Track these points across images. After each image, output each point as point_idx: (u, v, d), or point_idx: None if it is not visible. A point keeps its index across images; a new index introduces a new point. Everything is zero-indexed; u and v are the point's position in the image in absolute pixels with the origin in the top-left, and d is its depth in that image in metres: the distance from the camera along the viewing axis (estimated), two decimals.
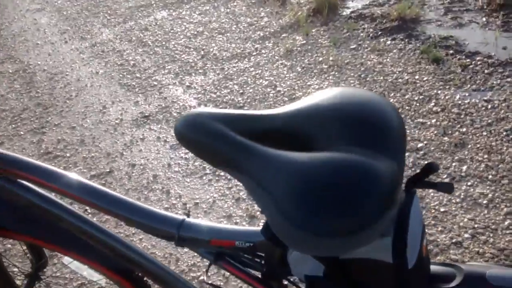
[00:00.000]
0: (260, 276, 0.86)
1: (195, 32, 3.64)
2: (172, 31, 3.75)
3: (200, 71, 3.08)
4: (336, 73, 2.72)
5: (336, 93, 0.76)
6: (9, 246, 1.93)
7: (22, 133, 2.78)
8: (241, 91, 2.76)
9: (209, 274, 1.69)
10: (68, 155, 2.50)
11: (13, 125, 2.87)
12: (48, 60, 3.67)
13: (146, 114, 2.73)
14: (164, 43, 3.57)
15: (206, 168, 2.22)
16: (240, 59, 3.12)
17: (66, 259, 1.17)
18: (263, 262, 0.84)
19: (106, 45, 3.74)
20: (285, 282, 0.87)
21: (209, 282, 0.90)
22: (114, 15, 4.33)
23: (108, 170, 2.33)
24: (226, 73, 2.99)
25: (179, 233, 0.85)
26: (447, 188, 0.72)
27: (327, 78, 2.70)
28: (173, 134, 2.47)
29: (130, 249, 0.98)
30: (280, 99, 2.61)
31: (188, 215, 0.87)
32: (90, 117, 2.81)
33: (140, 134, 2.56)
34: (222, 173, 2.15)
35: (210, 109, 0.76)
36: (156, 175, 2.23)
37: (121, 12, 4.35)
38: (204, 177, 2.17)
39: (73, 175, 0.92)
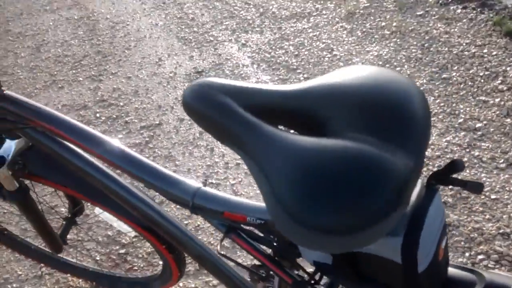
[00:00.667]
0: (271, 253, 0.84)
1: None
2: None
3: (257, 29, 3.02)
4: (398, 40, 2.58)
5: (359, 74, 0.69)
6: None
7: (81, 79, 2.87)
8: (296, 53, 2.69)
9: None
10: (121, 104, 2.56)
11: (74, 71, 2.97)
12: (112, 9, 3.72)
13: (199, 70, 2.73)
14: None
15: None
16: (299, 19, 3.02)
17: (97, 209, 1.21)
18: (275, 240, 0.82)
19: None
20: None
21: (222, 252, 0.89)
22: None
23: (157, 123, 2.37)
24: (283, 32, 2.92)
25: (193, 201, 0.83)
26: (476, 188, 0.65)
27: (388, 45, 2.56)
28: None
29: (151, 208, 0.98)
30: (335, 64, 2.52)
31: (205, 184, 0.85)
32: (145, 69, 2.85)
33: None
34: None
35: (220, 79, 0.72)
36: (202, 132, 2.25)
37: None
38: None
39: (97, 133, 0.92)
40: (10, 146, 1.03)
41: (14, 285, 1.69)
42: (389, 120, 0.64)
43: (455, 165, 0.65)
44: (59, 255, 1.59)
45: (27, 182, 1.20)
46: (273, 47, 2.79)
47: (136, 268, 1.68)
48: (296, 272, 0.85)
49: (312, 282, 0.78)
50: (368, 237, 0.60)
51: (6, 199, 1.13)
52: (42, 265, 1.65)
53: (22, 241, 1.56)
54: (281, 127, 0.69)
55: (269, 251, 0.85)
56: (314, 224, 0.58)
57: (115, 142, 0.92)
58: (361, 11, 2.93)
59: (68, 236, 1.51)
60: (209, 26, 3.18)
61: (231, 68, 2.68)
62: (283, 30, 2.95)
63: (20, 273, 1.72)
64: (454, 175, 0.66)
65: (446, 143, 1.90)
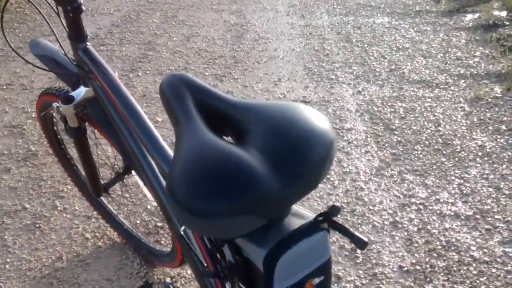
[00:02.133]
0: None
1: (401, 47, 3.57)
2: (380, 37, 3.75)
3: (379, 82, 3.06)
4: (510, 138, 2.43)
5: (294, 108, 0.81)
6: None
7: (207, 74, 3.18)
8: (402, 115, 2.68)
9: None
10: None
11: (205, 66, 3.30)
12: (264, 25, 4.04)
13: (307, 100, 2.86)
14: (365, 45, 3.61)
15: None
16: (423, 87, 2.99)
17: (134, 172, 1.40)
18: None
19: (317, 29, 3.94)
20: None
21: (182, 233, 1.02)
22: (340, 6, 4.50)
23: None
24: (401, 93, 2.91)
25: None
26: (360, 243, 0.71)
27: (497, 139, 2.43)
28: None
29: (157, 181, 1.14)
30: (434, 139, 2.46)
31: None
32: (263, 83, 3.06)
33: None
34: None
35: (194, 78, 0.88)
36: None
37: (348, 6, 4.49)
38: None
39: (135, 105, 1.12)
40: (81, 91, 1.27)
41: (68, 216, 1.98)
42: (282, 149, 0.74)
43: (332, 209, 0.72)
44: (104, 202, 1.83)
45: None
46: (384, 103, 2.81)
47: (162, 243, 1.85)
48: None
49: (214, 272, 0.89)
50: (218, 227, 0.70)
51: (67, 133, 1.37)
52: (93, 209, 1.91)
53: (84, 181, 1.83)
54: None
55: None
56: (179, 200, 0.71)
57: (136, 104, 1.11)
58: (489, 100, 2.81)
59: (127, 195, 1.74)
60: (337, 65, 3.30)
61: (334, 108, 2.76)
62: (403, 91, 2.95)
63: (76, 208, 2.01)
64: (345, 226, 0.73)
65: (502, 253, 1.77)
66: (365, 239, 0.73)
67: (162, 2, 4.59)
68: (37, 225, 1.93)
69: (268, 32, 3.89)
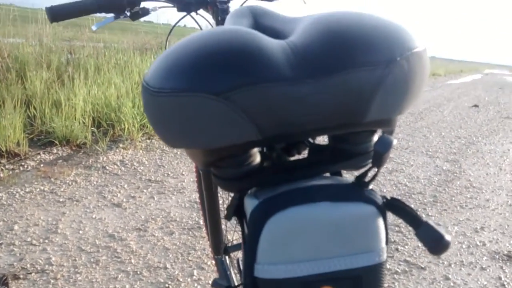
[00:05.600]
0: None
1: None
2: None
3: None
4: None
5: (363, 15, 0.58)
6: None
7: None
8: None
9: None
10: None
11: (399, 197, 3.01)
12: (481, 177, 3.60)
13: None
14: None
15: None
16: None
17: None
18: None
19: None
20: None
21: None
22: None
23: None
24: None
25: None
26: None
27: None
28: None
29: None
30: None
31: None
32: (460, 227, 2.61)
33: None
34: None
35: (265, 7, 0.75)
36: None
37: None
38: None
39: None
40: None
41: (198, 287, 1.86)
42: (318, 44, 0.53)
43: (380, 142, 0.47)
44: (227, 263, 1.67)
45: None
46: None
47: None
48: None
49: None
50: (190, 119, 0.50)
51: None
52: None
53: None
54: None
55: None
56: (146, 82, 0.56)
57: None
58: None
59: None
60: None
61: None
62: None
63: (209, 282, 1.89)
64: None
65: None
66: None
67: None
68: (167, 285, 1.86)
69: (483, 184, 3.42)
